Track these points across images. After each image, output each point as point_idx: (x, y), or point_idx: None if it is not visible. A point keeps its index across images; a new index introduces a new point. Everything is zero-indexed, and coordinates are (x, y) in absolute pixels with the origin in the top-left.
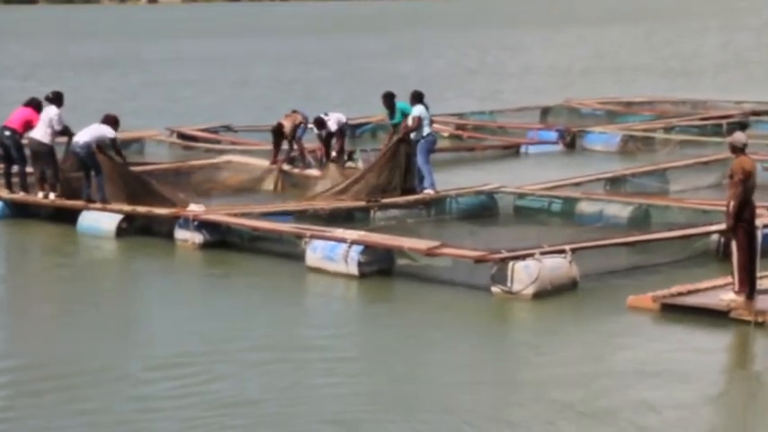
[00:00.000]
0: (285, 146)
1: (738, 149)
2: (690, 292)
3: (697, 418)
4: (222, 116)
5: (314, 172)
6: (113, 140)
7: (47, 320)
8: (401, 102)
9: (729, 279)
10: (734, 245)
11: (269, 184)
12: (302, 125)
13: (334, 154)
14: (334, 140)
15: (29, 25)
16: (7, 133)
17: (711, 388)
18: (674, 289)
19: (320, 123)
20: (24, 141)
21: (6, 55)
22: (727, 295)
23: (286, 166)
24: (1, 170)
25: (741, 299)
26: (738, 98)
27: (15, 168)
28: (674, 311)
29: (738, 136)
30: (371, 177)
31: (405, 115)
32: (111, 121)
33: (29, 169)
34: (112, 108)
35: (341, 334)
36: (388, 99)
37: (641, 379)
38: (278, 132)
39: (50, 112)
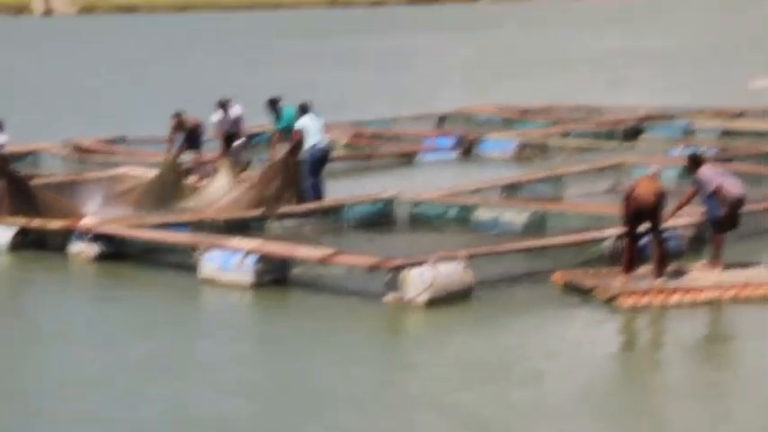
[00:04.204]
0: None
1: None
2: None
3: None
4: (120, 126)
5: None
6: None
7: None
8: (288, 107)
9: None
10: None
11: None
12: (200, 131)
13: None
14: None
15: None
16: None
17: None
18: (592, 272)
19: (223, 105)
20: None
21: None
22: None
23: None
24: None
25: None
26: (632, 103)
27: None
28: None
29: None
30: (264, 190)
31: (288, 121)
32: None
33: None
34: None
35: (234, 345)
36: (272, 104)
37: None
38: (179, 123)
39: None
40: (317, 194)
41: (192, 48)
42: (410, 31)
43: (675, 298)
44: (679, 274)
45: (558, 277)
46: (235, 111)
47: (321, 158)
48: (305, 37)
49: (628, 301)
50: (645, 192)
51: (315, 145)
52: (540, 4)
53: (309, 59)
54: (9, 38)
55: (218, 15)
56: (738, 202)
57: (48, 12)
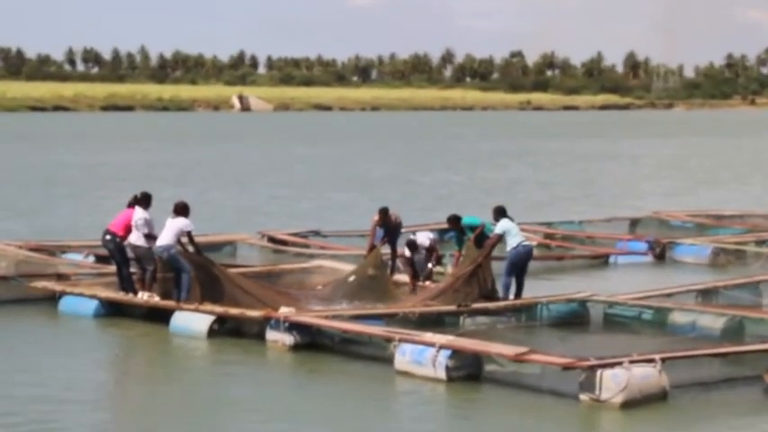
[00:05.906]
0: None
1: None
2: None
3: None
4: (315, 220)
5: (402, 277)
6: (189, 233)
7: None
8: (467, 217)
9: None
10: None
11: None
12: (400, 229)
13: (430, 266)
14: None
15: (128, 129)
16: (108, 237)
17: None
18: None
19: (412, 245)
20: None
21: (122, 157)
22: None
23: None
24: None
25: None
26: None
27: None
28: None
29: None
30: (458, 287)
31: (472, 229)
32: (181, 210)
33: (133, 270)
34: (210, 209)
35: None
36: (455, 223)
37: None
38: (382, 218)
39: (137, 214)
40: (517, 293)
41: (384, 146)
42: (602, 135)
43: None
44: None
45: None
46: (423, 238)
47: (525, 257)
48: (496, 137)
49: None
50: None
51: (518, 244)
52: (734, 111)
53: (498, 160)
54: (209, 131)
55: (409, 114)
56: None
57: (245, 108)
